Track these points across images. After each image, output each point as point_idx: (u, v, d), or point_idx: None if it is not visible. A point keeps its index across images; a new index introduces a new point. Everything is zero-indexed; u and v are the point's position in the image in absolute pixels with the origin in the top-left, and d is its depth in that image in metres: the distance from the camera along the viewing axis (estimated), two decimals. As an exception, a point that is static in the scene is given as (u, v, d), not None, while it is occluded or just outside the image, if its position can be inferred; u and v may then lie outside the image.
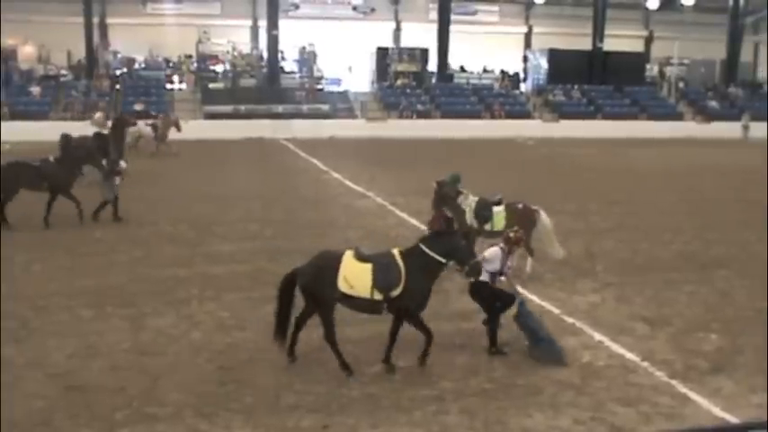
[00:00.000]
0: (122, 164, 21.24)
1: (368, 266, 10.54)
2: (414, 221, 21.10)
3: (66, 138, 20.84)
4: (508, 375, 10.84)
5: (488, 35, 60.40)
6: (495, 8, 62.73)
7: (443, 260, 10.77)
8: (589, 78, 55.78)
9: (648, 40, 66.35)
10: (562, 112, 52.38)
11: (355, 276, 10.49)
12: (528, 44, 63.53)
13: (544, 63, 56.99)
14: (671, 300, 14.61)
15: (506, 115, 51.02)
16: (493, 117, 50.79)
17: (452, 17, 54.38)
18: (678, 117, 54.56)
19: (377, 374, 10.79)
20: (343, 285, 10.49)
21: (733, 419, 9.54)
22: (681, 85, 60.18)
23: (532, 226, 15.96)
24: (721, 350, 12.10)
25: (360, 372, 10.85)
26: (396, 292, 10.55)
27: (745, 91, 58.53)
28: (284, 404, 9.86)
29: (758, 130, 50.07)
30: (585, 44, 56.59)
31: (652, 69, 62.67)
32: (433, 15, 55.55)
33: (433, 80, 55.32)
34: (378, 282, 10.50)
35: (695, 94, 58.02)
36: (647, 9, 64.65)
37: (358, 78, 54.85)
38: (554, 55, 56.31)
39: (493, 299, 11.71)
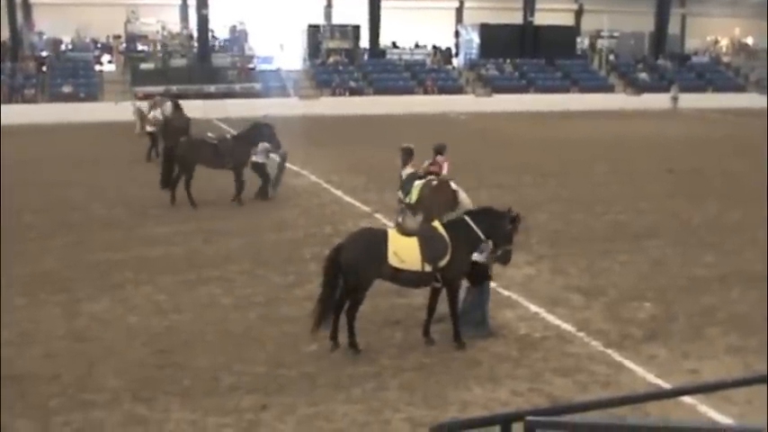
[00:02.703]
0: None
1: (414, 240, 10.70)
2: (348, 199, 21.12)
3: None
4: (446, 350, 10.91)
5: (420, 11, 60.30)
6: (427, -17, 62.75)
7: (483, 237, 10.99)
8: (521, 52, 56.07)
9: (579, 14, 66.80)
10: (494, 86, 52.56)
11: (404, 250, 10.59)
12: (459, 19, 63.54)
13: (476, 38, 57.10)
14: (605, 270, 14.81)
15: (439, 90, 51.09)
16: (426, 93, 50.84)
17: (383, -7, 54.32)
18: (609, 89, 55.11)
19: (314, 353, 10.78)
20: (393, 260, 10.55)
21: (666, 385, 9.72)
22: (611, 57, 60.80)
23: (448, 202, 15.82)
24: (655, 318, 12.32)
25: (297, 351, 10.84)
26: (443, 263, 10.68)
27: (673, 63, 59.34)
28: (223, 385, 9.81)
29: (687, 101, 50.97)
30: (517, 18, 56.81)
31: (583, 42, 63.13)
32: (365, -9, 55.43)
33: (366, 57, 55.18)
34: (426, 254, 10.62)
35: (625, 67, 58.65)
36: (577, -17, 65.24)
37: (290, 56, 54.48)
38: (485, 30, 56.43)
39: (484, 274, 11.61)
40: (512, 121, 42.62)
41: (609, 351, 10.97)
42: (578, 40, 61.96)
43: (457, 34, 61.43)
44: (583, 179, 24.18)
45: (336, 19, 58.20)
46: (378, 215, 19.18)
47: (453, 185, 15.30)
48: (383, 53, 55.79)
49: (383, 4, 53.85)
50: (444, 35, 60.72)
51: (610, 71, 58.11)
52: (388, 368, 10.33)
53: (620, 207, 20.02)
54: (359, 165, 26.66)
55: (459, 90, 52.11)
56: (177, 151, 20.49)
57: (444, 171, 16.05)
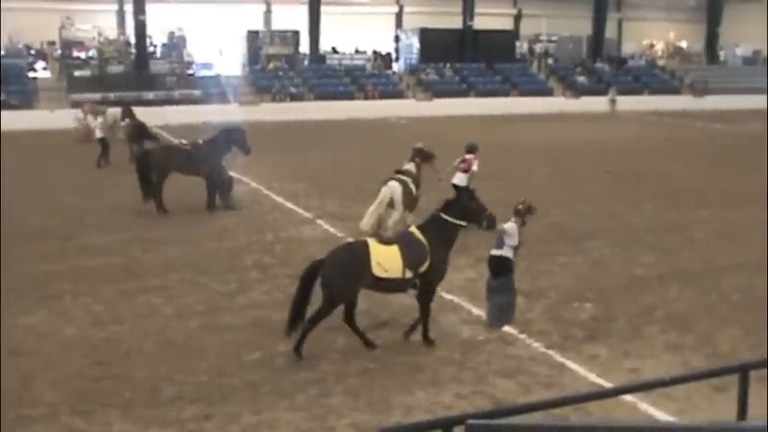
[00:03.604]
0: None
1: (394, 248, 10.93)
2: (290, 205, 21.01)
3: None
4: (390, 355, 10.92)
5: (359, 16, 60.31)
6: (366, -12, 62.80)
7: (463, 223, 11.46)
8: (460, 56, 56.27)
9: (517, 18, 67.30)
10: (435, 90, 52.66)
11: (387, 259, 10.79)
12: (399, 24, 63.64)
13: (416, 42, 57.19)
14: (545, 272, 14.94)
15: (380, 95, 51.01)
16: (366, 98, 50.76)
17: (323, -2, 54.23)
18: (548, 93, 55.55)
19: (257, 361, 10.72)
20: (377, 270, 10.73)
21: (608, 384, 9.82)
22: (550, 61, 61.37)
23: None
24: (596, 318, 12.47)
25: (239, 359, 10.76)
26: (424, 268, 10.97)
27: (611, 66, 59.99)
28: (164, 396, 9.71)
29: (624, 103, 51.64)
30: (456, 23, 57.00)
31: (522, 46, 63.58)
32: (305, -3, 55.27)
33: (306, 62, 54.99)
34: (408, 261, 10.87)
35: (564, 70, 59.16)
36: (514, -13, 65.79)
37: (229, 62, 54.10)
38: (425, 34, 56.54)
39: (512, 275, 12.05)
40: (452, 126, 42.71)
41: (551, 352, 11.07)
42: (517, 44, 62.36)
43: (397, 39, 61.52)
44: (523, 182, 24.33)
45: (276, 25, 57.96)
46: (319, 221, 19.12)
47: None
48: (323, 59, 55.64)
49: (323, 10, 53.71)
50: (384, 40, 60.79)
51: (549, 75, 58.61)
52: (332, 374, 10.30)
53: (559, 209, 20.19)
54: (300, 171, 26.58)
55: (399, 95, 52.15)
56: (152, 158, 20.24)
57: (474, 168, 17.70)
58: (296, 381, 10.08)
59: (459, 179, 18.07)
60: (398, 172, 17.74)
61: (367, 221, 17.06)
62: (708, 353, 11.06)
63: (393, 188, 17.10)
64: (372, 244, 11.02)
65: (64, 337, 11.73)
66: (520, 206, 12.26)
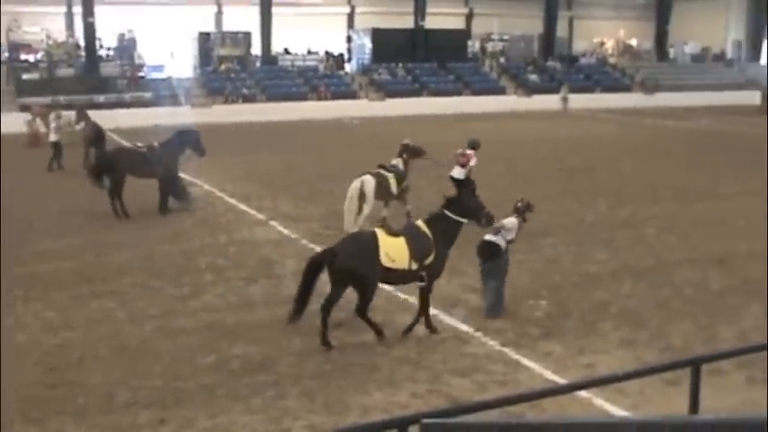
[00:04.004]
0: None
1: (401, 240, 11.22)
2: (243, 207, 20.90)
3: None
4: (345, 355, 10.89)
5: (311, 16, 60.12)
6: (318, -11, 62.67)
7: (463, 220, 11.76)
8: (413, 56, 56.42)
9: (469, 17, 67.48)
10: (387, 90, 52.75)
11: (395, 250, 11.07)
12: (351, 24, 63.57)
13: (368, 43, 57.24)
14: (500, 270, 14.96)
15: (332, 96, 50.97)
16: (319, 98, 50.68)
17: (274, -1, 54.08)
18: (500, 91, 55.86)
19: (212, 364, 10.64)
20: (385, 260, 10.98)
21: (562, 381, 9.88)
22: (502, 60, 61.71)
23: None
24: (550, 316, 12.55)
25: (194, 363, 10.68)
26: (428, 260, 11.29)
27: (562, 64, 60.51)
28: (119, 402, 9.60)
29: (576, 101, 52.08)
30: (408, 22, 57.13)
31: (474, 45, 63.83)
32: (255, -2, 55.04)
33: (258, 64, 54.79)
34: (414, 252, 11.17)
35: (516, 69, 59.53)
36: (465, -13, 65.99)
37: (181, 64, 53.76)
38: (377, 34, 56.60)
39: (501, 262, 12.50)
40: (405, 125, 42.72)
41: (506, 350, 11.12)
42: (469, 43, 62.59)
43: (349, 39, 61.49)
44: (476, 181, 24.38)
45: (227, 26, 57.63)
46: (273, 223, 19.04)
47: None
48: (275, 60, 55.49)
49: (274, 11, 53.60)
50: (336, 41, 60.72)
51: (501, 73, 58.95)
52: (288, 376, 10.26)
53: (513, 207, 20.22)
54: (253, 172, 26.47)
55: (352, 95, 52.17)
56: (108, 161, 19.96)
57: (472, 163, 18.66)
58: (251, 383, 10.02)
59: (458, 172, 18.85)
60: (381, 167, 18.23)
61: (347, 220, 17.28)
62: (661, 347, 11.17)
63: (365, 181, 17.45)
64: (381, 235, 11.26)
65: (15, 343, 11.56)
66: (519, 204, 12.84)
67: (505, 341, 11.39)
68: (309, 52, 59.13)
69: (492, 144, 34.26)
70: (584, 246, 16.76)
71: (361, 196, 17.41)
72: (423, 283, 11.45)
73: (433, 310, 12.52)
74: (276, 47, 56.11)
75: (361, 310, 11.25)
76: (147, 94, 47.64)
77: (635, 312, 12.65)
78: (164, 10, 54.81)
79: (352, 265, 10.95)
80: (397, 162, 18.73)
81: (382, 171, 18.12)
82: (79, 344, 11.49)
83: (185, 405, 9.49)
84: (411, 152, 19.04)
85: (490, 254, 12.47)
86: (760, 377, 10.05)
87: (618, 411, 9.06)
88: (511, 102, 53.30)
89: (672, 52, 67.34)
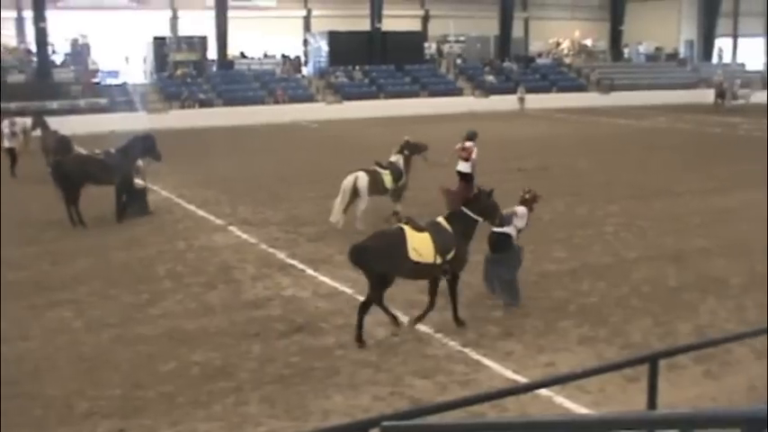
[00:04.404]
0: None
1: (426, 235, 11.59)
2: (201, 213, 20.74)
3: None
4: (306, 359, 10.85)
5: (267, 20, 59.93)
6: (273, -8, 62.46)
7: (480, 219, 12.21)
8: (369, 59, 56.38)
9: (425, 19, 67.65)
10: (345, 93, 52.70)
11: (421, 245, 11.46)
12: (308, 27, 63.46)
13: (324, 46, 57.11)
14: (460, 271, 14.99)
15: (290, 100, 50.73)
16: (276, 102, 50.45)
17: (230, 3, 53.38)
18: (458, 92, 56.00)
19: (172, 371, 10.55)
20: (413, 255, 11.36)
21: (523, 380, 9.91)
22: (458, 61, 61.91)
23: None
24: (510, 315, 12.59)
25: (154, 371, 10.58)
26: (451, 255, 11.68)
27: (518, 65, 60.80)
28: (77, 413, 9.48)
29: (533, 101, 52.39)
30: (364, 25, 57.14)
31: (430, 47, 64.00)
32: (211, 2, 54.38)
33: (214, 68, 54.49)
34: (438, 247, 11.55)
35: (473, 70, 59.72)
36: (421, -11, 66.17)
37: (136, 70, 53.35)
38: (334, 37, 56.53)
39: (512, 252, 13.06)
40: (363, 128, 42.88)
41: (466, 350, 11.13)
42: (426, 45, 62.74)
43: (305, 43, 61.39)
44: (434, 182, 24.40)
45: (183, 30, 57.31)
46: (232, 228, 18.92)
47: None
48: (231, 64, 55.23)
49: (230, 15, 53.31)
50: (293, 44, 60.63)
51: (458, 75, 59.13)
52: (248, 382, 10.20)
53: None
54: (210, 178, 26.30)
55: (309, 98, 52.02)
56: (64, 168, 19.66)
57: (474, 155, 19.26)
58: (212, 390, 9.95)
59: (464, 167, 19.52)
60: (378, 164, 18.74)
61: (335, 213, 17.84)
62: (620, 344, 11.25)
63: (358, 177, 18.00)
64: (408, 230, 11.59)
65: (-30, 355, 11.38)
66: (526, 195, 13.42)
67: (466, 341, 11.41)
68: (266, 56, 58.98)
69: (449, 145, 34.39)
70: (542, 245, 16.80)
71: (355, 192, 17.92)
72: (447, 276, 11.87)
73: (392, 312, 12.54)
74: (232, 51, 55.90)
75: (376, 299, 11.52)
76: (103, 100, 47.14)
77: (594, 310, 12.74)
78: (118, 15, 54.43)
79: (381, 257, 11.33)
80: (397, 159, 19.20)
81: (377, 168, 18.63)
82: (36, 354, 11.33)
83: (145, 414, 9.40)
84: (412, 148, 19.53)
85: (502, 245, 12.99)
86: (717, 371, 10.18)
87: (579, 409, 9.11)
88: (468, 103, 53.43)
89: (626, 52, 68.01)
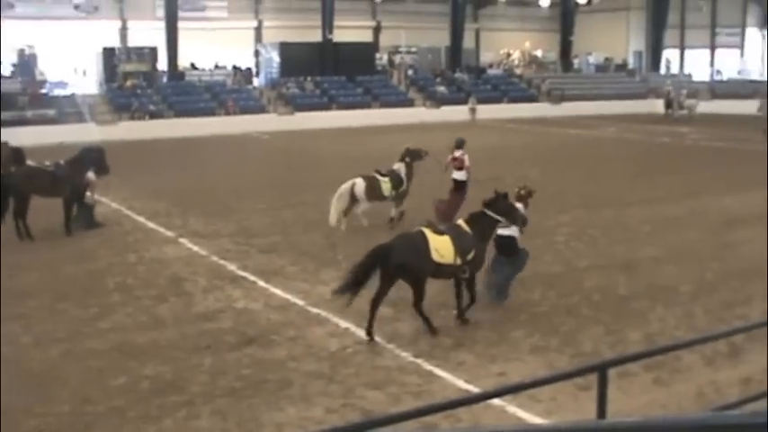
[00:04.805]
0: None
1: (447, 238, 12.15)
2: (152, 225, 20.54)
3: None
4: (257, 372, 10.78)
5: (218, 31, 59.65)
6: (224, 3, 61.95)
7: (500, 219, 12.85)
8: (321, 70, 56.33)
9: (377, 30, 67.82)
10: (296, 104, 52.58)
11: (442, 247, 12.00)
12: (259, 38, 63.29)
13: (276, 57, 56.96)
14: (412, 281, 14.98)
15: (241, 111, 50.49)
16: (227, 113, 50.18)
17: (180, 14, 53.16)
18: (409, 103, 56.14)
19: (122, 386, 10.42)
20: (435, 256, 11.91)
21: (475, 390, 9.93)
22: (410, 72, 62.12)
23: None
24: (463, 326, 12.58)
25: (104, 385, 10.45)
26: (470, 256, 12.26)
27: (470, 76, 61.13)
28: (25, 430, 9.33)
29: (484, 112, 52.66)
30: (316, 36, 57.09)
31: (382, 58, 64.17)
32: (161, 13, 54.19)
33: (164, 79, 54.11)
34: (459, 249, 12.12)
35: (424, 81, 59.93)
36: (373, 1, 66.19)
37: (85, 80, 52.81)
38: (285, 48, 56.40)
39: (520, 254, 13.61)
40: (315, 139, 42.84)
41: (419, 361, 11.13)
42: (377, 56, 62.90)
43: (257, 54, 61.24)
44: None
45: (132, 41, 56.88)
46: (183, 240, 18.77)
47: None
48: (182, 75, 54.91)
49: (180, 25, 52.99)
50: (244, 55, 60.46)
51: (409, 86, 59.31)
52: (199, 395, 10.10)
53: (423, 219, 20.29)
54: (161, 189, 26.10)
55: (260, 110, 51.83)
56: (10, 180, 19.31)
57: (467, 163, 19.92)
58: (163, 404, 9.85)
59: (459, 175, 20.01)
60: (377, 172, 19.57)
61: (332, 216, 18.77)
62: (571, 353, 11.32)
63: (355, 184, 18.96)
64: (429, 233, 12.16)
65: None
66: (522, 191, 13.92)
67: (418, 352, 11.41)
68: (217, 67, 58.75)
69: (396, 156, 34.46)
70: (493, 254, 16.87)
71: (353, 197, 18.87)
72: (466, 276, 12.38)
73: (344, 324, 12.54)
74: (183, 62, 55.58)
75: (417, 304, 12.04)
76: (51, 112, 46.58)
77: (546, 319, 12.81)
78: (66, 25, 53.87)
79: (406, 260, 11.83)
80: (399, 167, 19.92)
81: (376, 175, 19.43)
82: (-19, 370, 11.13)
83: (95, 430, 9.28)
84: (413, 155, 20.21)
85: (508, 248, 13.53)
86: (666, 378, 10.28)
87: (531, 418, 9.15)
88: (420, 113, 53.63)
89: (576, 63, 68.71)
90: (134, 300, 14.15)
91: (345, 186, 18.88)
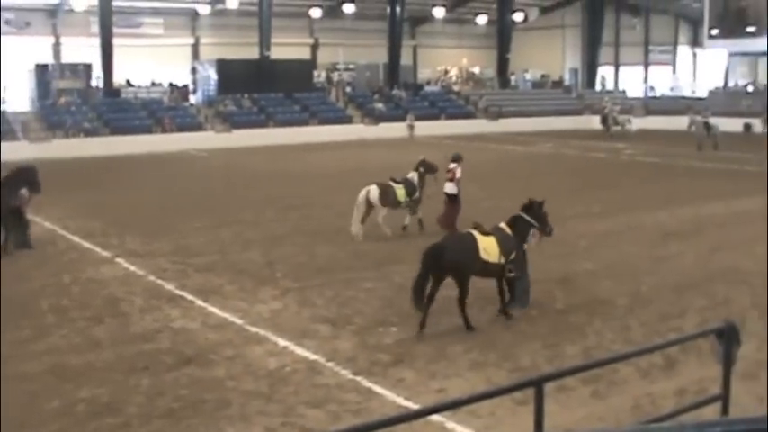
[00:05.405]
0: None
1: (492, 238, 13.21)
2: (87, 244, 20.22)
3: None
4: (195, 392, 10.65)
5: (155, 47, 59.21)
6: (160, 20, 61.56)
7: (536, 224, 13.91)
8: (259, 87, 56.06)
9: (314, 48, 67.86)
10: (234, 122, 52.27)
11: (489, 246, 13.06)
12: (196, 55, 62.98)
13: (213, 74, 56.62)
14: (351, 298, 15.00)
15: (178, 128, 50.07)
16: (164, 131, 49.70)
17: (115, 30, 52.60)
18: (347, 120, 56.12)
19: (57, 410, 10.22)
20: (483, 255, 12.96)
21: (415, 406, 9.91)
22: (348, 89, 62.23)
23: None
24: (401, 342, 12.61)
25: (39, 409, 10.25)
26: (513, 256, 13.29)
27: (408, 93, 61.39)
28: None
29: (422, 129, 52.86)
30: (253, 53, 56.84)
31: (320, 75, 64.22)
32: (95, 29, 53.58)
33: (100, 96, 53.44)
34: (503, 248, 13.16)
35: (362, 98, 60.04)
36: (310, 17, 66.21)
37: (17, 97, 51.96)
38: (223, 65, 56.08)
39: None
40: (253, 156, 42.67)
41: (358, 378, 11.10)
42: (315, 73, 62.92)
43: (194, 71, 60.88)
44: (325, 210, 24.47)
45: (66, 57, 56.19)
46: (119, 259, 18.51)
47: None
48: (118, 92, 54.29)
49: (116, 42, 52.37)
50: (181, 72, 60.06)
51: (347, 103, 59.38)
52: (136, 417, 9.96)
53: (363, 235, 20.39)
54: (97, 209, 25.75)
55: (198, 127, 51.46)
56: None
57: (458, 175, 20.82)
58: (99, 427, 9.69)
59: (449, 188, 20.85)
60: (392, 180, 20.69)
61: (354, 226, 19.92)
62: (510, 368, 11.37)
63: (370, 191, 19.99)
64: (476, 234, 13.17)
65: None
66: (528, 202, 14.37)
67: (357, 370, 11.38)
68: (153, 84, 58.27)
69: (339, 173, 34.54)
70: (432, 271, 16.96)
71: (369, 204, 19.94)
72: (512, 275, 13.40)
73: (283, 342, 12.48)
74: (118, 79, 54.95)
75: (461, 301, 12.92)
76: (-19, 129, 45.66)
77: (483, 334, 12.86)
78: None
79: (458, 258, 12.80)
80: (413, 176, 21.04)
81: (391, 183, 20.56)
82: None
83: (28, 454, 9.10)
84: (427, 167, 21.39)
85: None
86: (604, 391, 10.39)
87: (469, 434, 9.18)
88: (358, 130, 53.70)
89: (513, 79, 69.44)
90: (69, 321, 13.91)
91: (362, 194, 19.93)
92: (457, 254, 12.89)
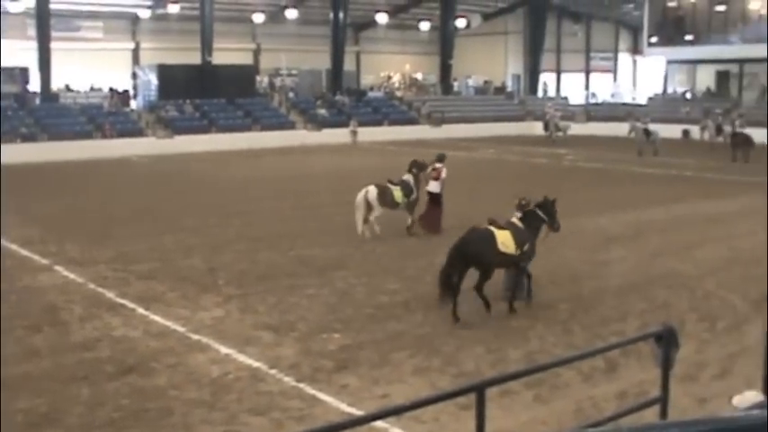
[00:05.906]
0: None
1: (508, 232, 14.14)
2: (25, 252, 19.84)
3: None
4: (136, 401, 10.53)
5: (94, 52, 58.50)
6: (100, 24, 60.85)
7: (545, 219, 14.85)
8: (201, 92, 55.49)
9: (257, 53, 67.56)
10: (176, 127, 51.67)
11: (506, 240, 14.01)
12: (136, 60, 62.33)
13: (154, 79, 55.98)
14: (294, 305, 14.95)
15: (118, 134, 49.38)
16: (104, 137, 48.95)
17: (54, 34, 51.69)
18: (290, 126, 55.83)
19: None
20: (501, 247, 13.92)
21: (359, 413, 9.89)
22: (291, 95, 62.01)
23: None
24: (345, 348, 12.59)
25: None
26: (526, 248, 14.25)
27: (351, 98, 61.28)
28: None
29: (365, 134, 52.90)
30: (195, 58, 56.34)
31: (262, 81, 63.91)
32: (32, 32, 52.77)
33: (37, 101, 52.58)
34: (517, 241, 14.10)
35: (305, 104, 59.81)
36: (253, 23, 65.90)
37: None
38: (164, 70, 55.45)
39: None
40: (195, 162, 42.32)
41: (301, 385, 11.06)
42: (258, 78, 62.62)
43: (134, 76, 60.24)
44: (267, 216, 24.37)
45: (2, 61, 55.20)
46: (58, 267, 18.20)
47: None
48: (56, 97, 53.44)
49: (54, 46, 51.53)
50: (121, 77, 59.38)
51: (290, 108, 59.13)
52: (76, 427, 9.83)
53: (305, 241, 20.36)
54: (34, 216, 25.33)
55: (139, 133, 50.84)
56: None
57: (443, 175, 21.67)
58: (36, 438, 9.53)
59: (434, 186, 21.66)
60: (390, 181, 21.16)
61: (359, 227, 20.55)
62: (453, 373, 11.42)
63: (368, 191, 20.61)
64: (494, 229, 14.10)
65: None
66: (523, 202, 15.15)
67: (301, 376, 11.34)
68: (93, 89, 57.51)
69: (281, 179, 34.44)
70: (375, 277, 16.97)
71: (367, 204, 20.49)
72: (525, 264, 14.41)
73: (225, 350, 12.40)
74: (57, 83, 54.15)
75: (479, 287, 13.91)
76: None
77: (428, 341, 12.89)
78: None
79: (480, 250, 13.83)
80: (408, 178, 21.47)
81: (389, 184, 21.05)
82: None
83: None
84: (419, 167, 21.77)
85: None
86: (546, 395, 10.47)
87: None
88: (301, 136, 53.52)
89: (456, 85, 69.70)
90: (6, 330, 13.61)
91: (360, 195, 20.48)
92: (479, 247, 13.90)
